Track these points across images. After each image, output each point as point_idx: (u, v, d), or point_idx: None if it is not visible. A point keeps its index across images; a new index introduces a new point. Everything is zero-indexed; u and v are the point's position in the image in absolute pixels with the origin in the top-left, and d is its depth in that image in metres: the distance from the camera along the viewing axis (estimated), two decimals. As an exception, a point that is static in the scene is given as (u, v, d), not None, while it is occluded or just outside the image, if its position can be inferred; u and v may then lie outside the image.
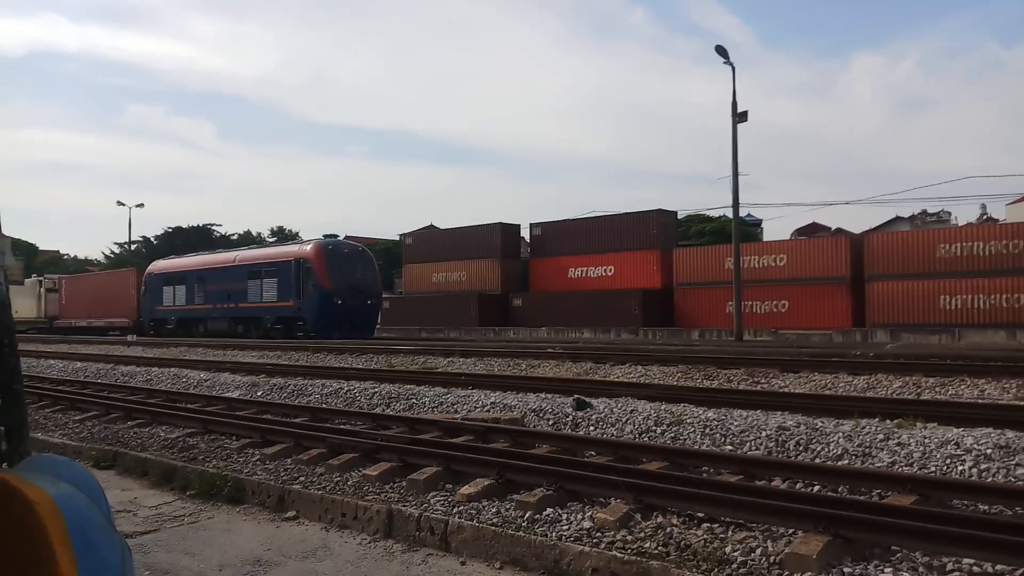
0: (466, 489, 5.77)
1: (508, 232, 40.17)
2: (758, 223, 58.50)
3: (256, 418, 9.32)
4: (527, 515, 5.21)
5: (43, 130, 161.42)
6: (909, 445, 6.42)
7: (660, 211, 35.40)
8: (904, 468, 6.09)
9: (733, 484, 5.38)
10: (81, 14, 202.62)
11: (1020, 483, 5.55)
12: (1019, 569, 3.85)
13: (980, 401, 10.00)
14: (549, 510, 5.27)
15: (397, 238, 47.50)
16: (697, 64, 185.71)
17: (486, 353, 18.88)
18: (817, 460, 6.60)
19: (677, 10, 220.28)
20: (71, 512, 0.86)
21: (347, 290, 29.73)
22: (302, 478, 6.64)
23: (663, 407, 8.70)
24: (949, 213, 61.04)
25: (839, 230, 52.26)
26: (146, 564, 4.80)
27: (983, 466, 5.90)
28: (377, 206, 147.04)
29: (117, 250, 69.41)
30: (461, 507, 5.50)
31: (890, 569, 4.01)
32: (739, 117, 26.44)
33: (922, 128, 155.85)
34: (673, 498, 5.16)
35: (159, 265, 38.83)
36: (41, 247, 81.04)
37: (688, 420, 7.93)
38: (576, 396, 9.34)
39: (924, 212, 61.15)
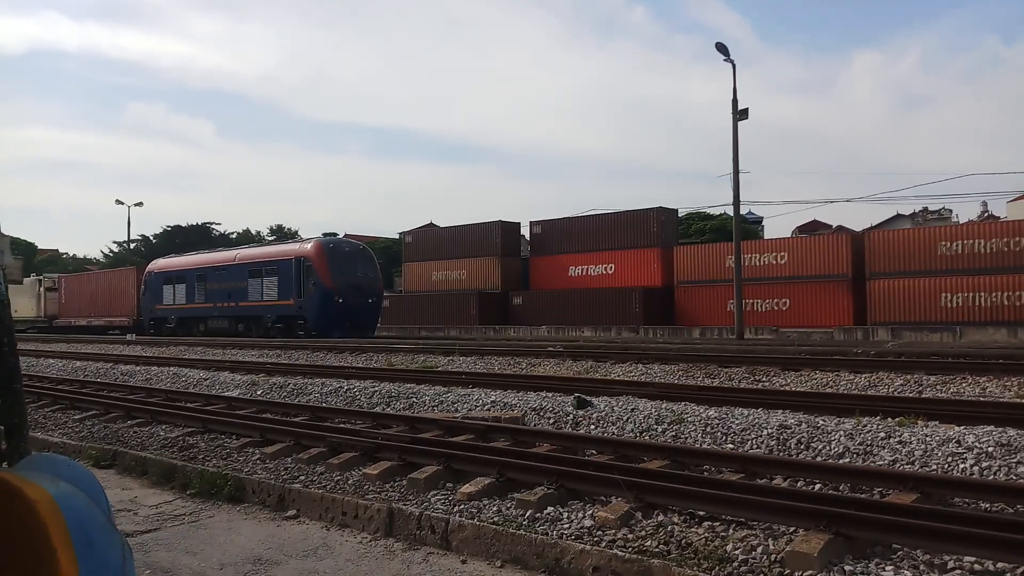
0: (467, 488, 5.77)
1: (508, 230, 40.16)
2: (759, 221, 58.54)
3: (256, 417, 9.32)
4: (528, 514, 5.21)
5: (43, 128, 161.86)
6: (910, 443, 6.42)
7: (661, 209, 35.39)
8: (905, 466, 6.08)
9: (734, 482, 5.37)
10: (81, 12, 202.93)
11: (1021, 481, 5.55)
12: (1020, 567, 3.85)
13: (981, 399, 9.99)
14: (550, 509, 5.27)
15: (397, 236, 47.53)
16: (697, 62, 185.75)
17: (486, 352, 18.88)
18: (818, 458, 6.59)
19: (677, 8, 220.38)
20: (71, 511, 0.86)
21: (348, 289, 29.69)
22: (302, 477, 6.64)
23: (664, 405, 8.70)
24: (950, 211, 61.04)
25: (840, 228, 52.23)
26: (146, 563, 4.79)
27: (984, 464, 5.90)
28: (377, 204, 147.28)
29: (116, 249, 69.49)
30: (462, 506, 5.50)
31: (891, 567, 4.01)
32: (740, 114, 26.43)
33: (922, 125, 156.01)
34: (674, 496, 5.15)
35: (159, 264, 38.80)
36: (40, 246, 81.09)
37: (689, 418, 7.93)
38: (577, 395, 9.34)
39: (925, 210, 61.10)
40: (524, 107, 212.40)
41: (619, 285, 34.65)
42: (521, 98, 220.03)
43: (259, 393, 12.28)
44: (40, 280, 50.46)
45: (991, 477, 5.73)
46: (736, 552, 4.31)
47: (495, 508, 5.41)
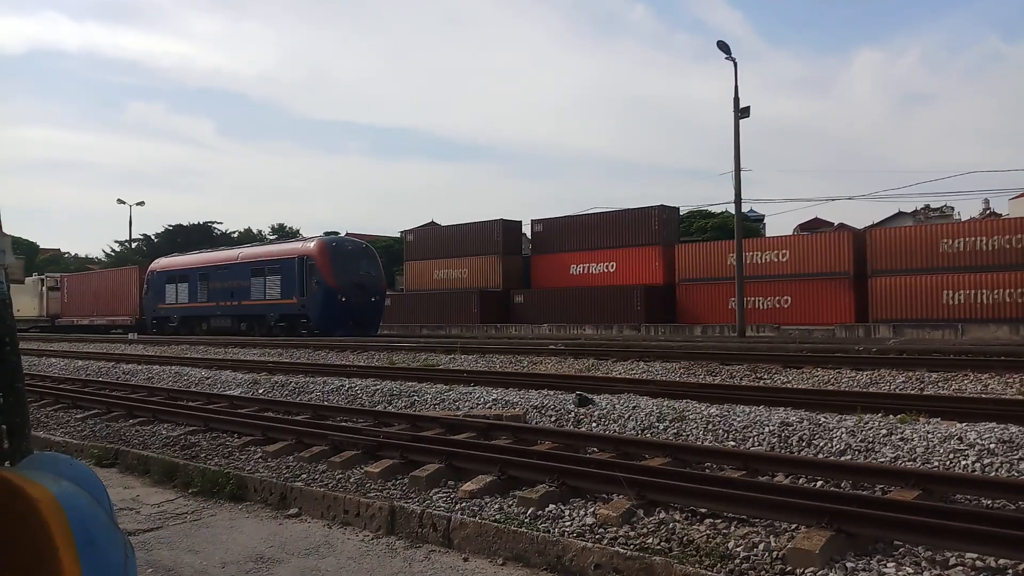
0: (468, 486, 5.77)
1: (509, 229, 40.15)
2: (760, 219, 58.45)
3: (258, 416, 9.32)
4: (530, 511, 5.21)
5: (43, 128, 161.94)
6: (912, 440, 6.42)
7: (662, 207, 35.38)
8: (907, 463, 6.09)
9: (736, 480, 5.38)
10: (81, 12, 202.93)
11: (1023, 478, 5.55)
12: (1022, 564, 3.85)
13: (983, 396, 9.99)
14: (551, 506, 5.27)
15: (398, 235, 47.53)
16: (699, 60, 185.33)
17: (488, 350, 18.88)
18: (820, 455, 6.59)
19: (678, 5, 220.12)
20: (74, 510, 0.86)
21: (351, 287, 29.67)
22: (304, 475, 6.65)
23: (665, 403, 8.70)
24: (952, 208, 60.98)
25: (842, 225, 52.16)
26: (149, 561, 4.80)
27: (986, 461, 5.90)
28: (378, 203, 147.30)
29: (118, 248, 69.54)
30: (463, 504, 5.50)
31: (893, 564, 4.01)
32: (741, 113, 26.40)
33: (923, 123, 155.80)
34: (676, 494, 5.15)
35: (161, 263, 38.81)
36: (42, 245, 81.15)
37: (690, 416, 7.93)
38: (578, 392, 9.34)
39: (927, 207, 61.03)
40: (525, 106, 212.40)
41: (620, 283, 34.64)
42: (522, 97, 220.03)
43: (261, 392, 12.30)
44: (43, 279, 50.50)
45: (993, 474, 5.73)
46: (738, 549, 4.31)
47: (497, 506, 5.42)
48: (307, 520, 5.69)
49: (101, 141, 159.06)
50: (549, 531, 4.82)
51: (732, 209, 28.92)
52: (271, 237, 67.47)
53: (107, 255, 73.15)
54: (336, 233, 33.49)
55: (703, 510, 4.96)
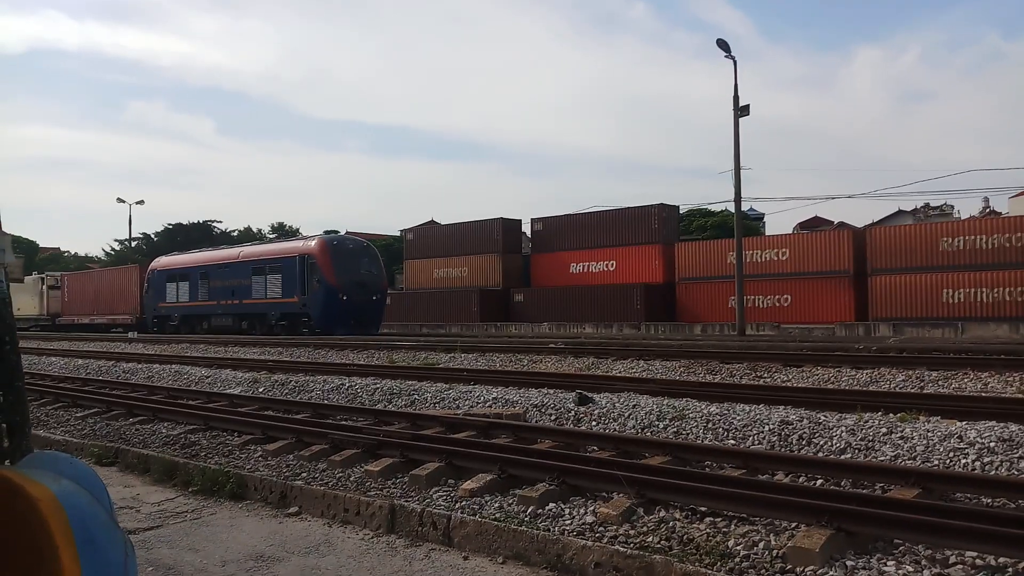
0: (468, 484, 5.77)
1: (509, 227, 40.16)
2: (760, 217, 58.49)
3: (258, 414, 9.33)
4: (530, 510, 5.22)
5: (43, 127, 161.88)
6: (912, 439, 6.42)
7: (662, 206, 35.39)
8: (907, 462, 6.09)
9: (736, 478, 5.38)
10: (81, 11, 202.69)
11: (1023, 476, 5.55)
12: (1022, 562, 3.85)
13: (983, 395, 10.00)
14: (552, 505, 5.28)
15: (398, 234, 47.51)
16: (698, 58, 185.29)
17: (488, 349, 18.89)
18: (820, 454, 6.59)
19: (678, 3, 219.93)
20: (74, 509, 0.86)
21: (352, 286, 29.67)
22: (304, 474, 6.65)
23: (665, 402, 8.71)
24: (952, 206, 60.97)
25: (841, 224, 52.20)
26: (149, 560, 4.80)
27: (986, 459, 5.90)
28: (378, 202, 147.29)
29: (118, 247, 69.50)
30: (463, 502, 5.50)
31: (893, 562, 4.01)
32: (741, 111, 26.39)
33: (923, 121, 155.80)
34: (675, 492, 5.16)
35: (162, 262, 38.80)
36: (41, 244, 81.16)
37: (690, 415, 7.93)
38: (578, 391, 9.34)
39: (927, 206, 61.03)
40: (525, 104, 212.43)
41: (620, 282, 34.65)
42: (522, 95, 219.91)
43: (261, 390, 12.31)
44: (43, 278, 50.49)
45: (993, 472, 5.74)
46: (738, 548, 4.31)
47: (497, 504, 5.42)
48: (307, 519, 5.69)
49: (101, 140, 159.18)
50: (549, 530, 4.82)
51: (732, 208, 28.95)
52: (271, 236, 67.46)
53: (107, 254, 73.15)
54: (336, 232, 33.50)
55: (703, 509, 4.96)
